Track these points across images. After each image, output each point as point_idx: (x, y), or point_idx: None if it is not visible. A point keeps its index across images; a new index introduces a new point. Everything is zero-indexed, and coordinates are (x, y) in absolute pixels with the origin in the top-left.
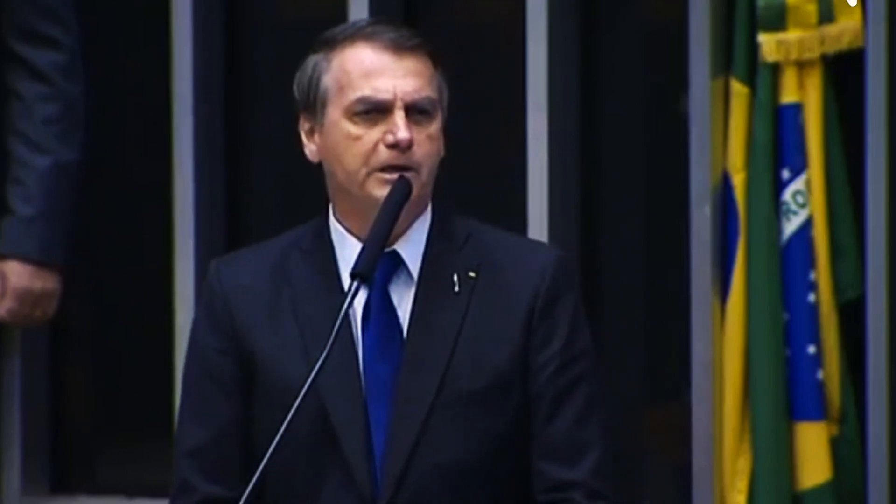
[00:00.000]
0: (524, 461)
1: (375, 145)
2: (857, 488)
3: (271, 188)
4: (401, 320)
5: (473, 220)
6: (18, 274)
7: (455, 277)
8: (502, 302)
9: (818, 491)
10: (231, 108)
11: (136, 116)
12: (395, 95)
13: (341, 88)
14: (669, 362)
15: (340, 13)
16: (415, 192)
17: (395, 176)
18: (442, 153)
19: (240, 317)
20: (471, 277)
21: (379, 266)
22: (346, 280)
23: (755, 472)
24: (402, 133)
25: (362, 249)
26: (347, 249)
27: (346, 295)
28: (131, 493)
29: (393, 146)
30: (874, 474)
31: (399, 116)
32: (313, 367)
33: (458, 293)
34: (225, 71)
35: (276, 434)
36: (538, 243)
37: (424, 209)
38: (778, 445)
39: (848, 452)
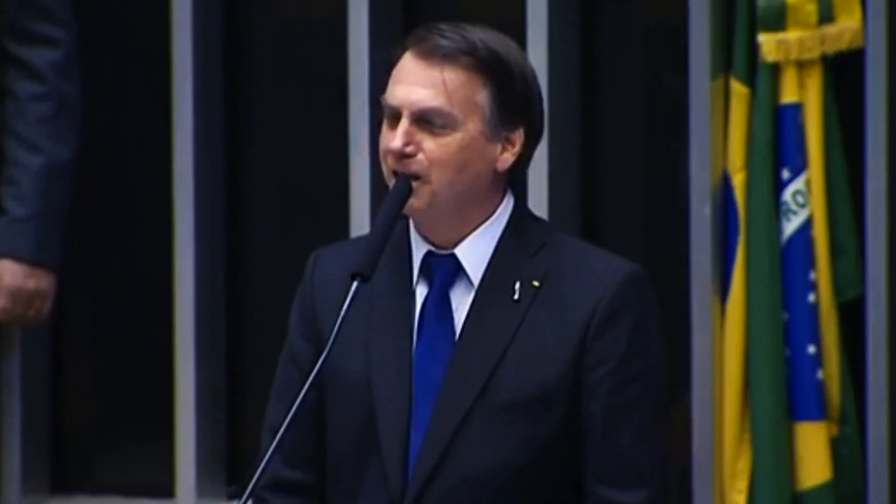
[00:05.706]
0: (561, 476)
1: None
2: (857, 488)
3: (271, 188)
4: (456, 324)
5: (555, 228)
6: (12, 273)
7: (517, 285)
8: (561, 313)
9: (818, 491)
10: (231, 108)
11: (136, 116)
12: (402, 104)
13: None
14: (669, 362)
15: (340, 13)
16: (421, 201)
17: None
18: (482, 159)
19: (320, 306)
20: (534, 286)
21: (440, 268)
22: (415, 279)
23: (755, 473)
24: (393, 143)
25: (362, 249)
26: (419, 249)
27: (348, 296)
28: (130, 494)
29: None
30: (874, 474)
31: (402, 125)
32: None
33: (517, 301)
34: (225, 71)
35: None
36: (614, 257)
37: (478, 213)
38: (778, 446)
39: (848, 452)
